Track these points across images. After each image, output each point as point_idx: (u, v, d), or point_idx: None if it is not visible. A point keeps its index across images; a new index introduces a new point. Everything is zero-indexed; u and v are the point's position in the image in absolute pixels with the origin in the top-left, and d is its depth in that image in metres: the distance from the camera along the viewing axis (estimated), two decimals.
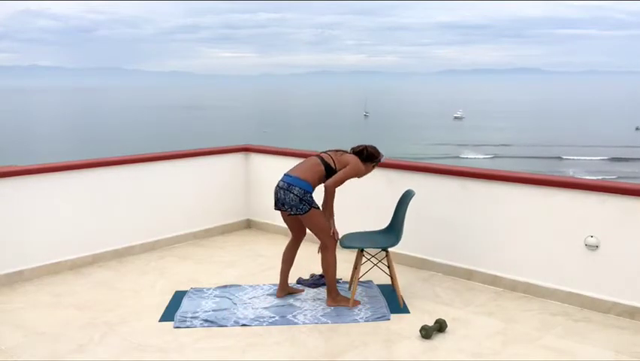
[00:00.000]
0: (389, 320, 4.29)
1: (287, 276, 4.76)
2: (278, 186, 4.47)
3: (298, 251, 4.75)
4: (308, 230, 4.56)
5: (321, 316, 4.36)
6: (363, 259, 4.66)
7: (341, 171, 4.46)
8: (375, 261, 4.71)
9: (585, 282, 4.50)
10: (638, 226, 4.26)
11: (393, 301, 4.58)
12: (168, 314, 4.40)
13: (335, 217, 4.55)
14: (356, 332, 4.08)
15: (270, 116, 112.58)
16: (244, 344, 3.92)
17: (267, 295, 4.78)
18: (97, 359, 3.73)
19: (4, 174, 5.06)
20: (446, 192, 5.22)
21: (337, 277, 4.70)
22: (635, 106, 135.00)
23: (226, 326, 4.20)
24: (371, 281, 5.01)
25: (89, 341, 3.96)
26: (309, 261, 5.05)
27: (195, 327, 4.18)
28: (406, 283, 4.98)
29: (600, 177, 36.58)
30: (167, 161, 6.22)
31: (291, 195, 4.35)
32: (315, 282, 5.00)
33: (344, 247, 4.55)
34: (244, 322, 4.25)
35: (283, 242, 4.92)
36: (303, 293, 4.81)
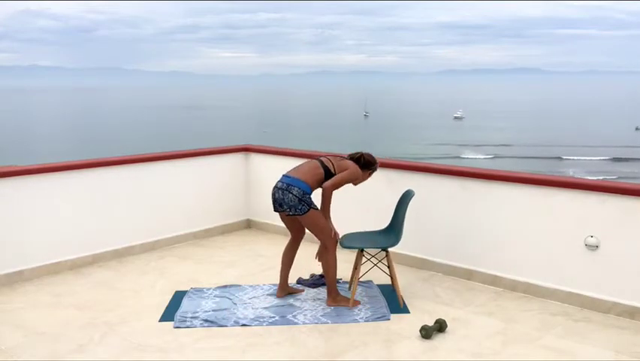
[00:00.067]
0: (389, 320, 4.29)
1: (287, 276, 4.76)
2: (276, 187, 4.46)
3: (298, 251, 4.76)
4: (307, 230, 4.57)
5: (321, 316, 4.36)
6: (363, 259, 4.66)
7: (339, 175, 4.46)
8: (375, 261, 4.71)
9: (585, 282, 4.50)
10: (638, 226, 4.26)
11: (393, 301, 4.58)
12: (168, 314, 4.40)
13: (334, 218, 4.55)
14: (356, 332, 4.08)
15: (270, 116, 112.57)
16: (244, 344, 3.92)
17: (267, 295, 4.78)
18: (97, 359, 3.73)
19: (4, 174, 5.06)
20: (446, 192, 5.22)
21: (337, 277, 4.70)
22: (635, 106, 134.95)
23: (226, 326, 4.20)
24: (371, 281, 5.01)
25: (89, 341, 3.96)
26: (309, 261, 5.04)
27: (195, 327, 4.18)
28: (406, 283, 4.98)
29: (600, 177, 36.57)
30: (167, 161, 6.22)
31: (290, 195, 4.34)
32: (315, 282, 5.00)
33: (344, 247, 4.55)
34: (244, 322, 4.25)
35: (283, 242, 4.92)
36: (303, 293, 4.81)
